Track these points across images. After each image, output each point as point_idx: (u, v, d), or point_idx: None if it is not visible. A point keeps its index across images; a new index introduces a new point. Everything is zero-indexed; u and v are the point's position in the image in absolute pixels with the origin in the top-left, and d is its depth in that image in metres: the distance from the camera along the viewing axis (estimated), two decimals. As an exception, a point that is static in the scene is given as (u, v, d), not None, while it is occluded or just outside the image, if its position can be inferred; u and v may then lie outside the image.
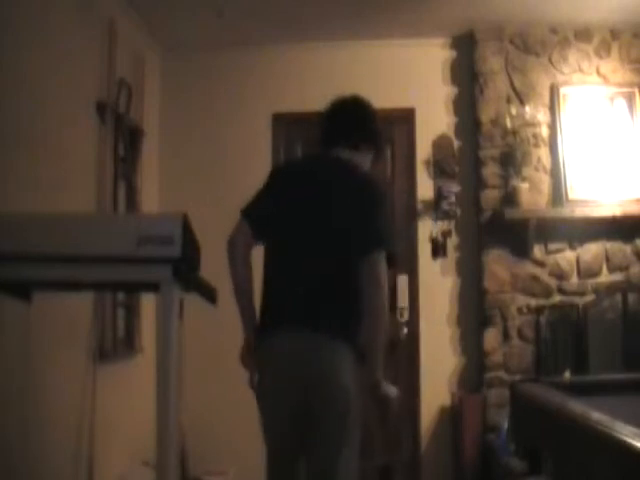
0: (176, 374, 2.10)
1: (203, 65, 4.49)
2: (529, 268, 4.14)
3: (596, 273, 4.14)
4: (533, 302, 4.12)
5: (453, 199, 4.25)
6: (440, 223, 4.27)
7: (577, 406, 1.90)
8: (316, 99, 4.37)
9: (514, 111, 4.10)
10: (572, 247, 4.16)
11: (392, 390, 2.26)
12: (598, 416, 1.72)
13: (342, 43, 4.39)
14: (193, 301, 2.31)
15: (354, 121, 2.58)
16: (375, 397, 2.22)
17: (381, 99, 4.34)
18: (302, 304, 2.27)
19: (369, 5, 3.89)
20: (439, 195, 4.26)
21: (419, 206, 4.31)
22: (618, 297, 4.04)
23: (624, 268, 4.13)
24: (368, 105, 2.66)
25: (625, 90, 4.20)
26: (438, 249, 4.24)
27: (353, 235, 2.28)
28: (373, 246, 2.24)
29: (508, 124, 4.09)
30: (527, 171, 4.13)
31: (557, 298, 4.13)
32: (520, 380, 3.34)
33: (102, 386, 3.30)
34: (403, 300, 4.28)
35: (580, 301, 4.09)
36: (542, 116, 4.16)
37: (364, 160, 2.54)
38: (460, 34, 4.32)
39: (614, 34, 4.24)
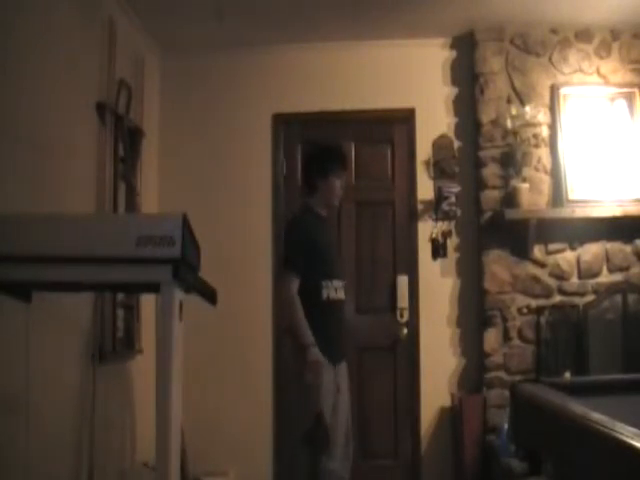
0: (176, 374, 2.10)
1: (203, 66, 4.49)
2: (529, 268, 4.14)
3: (596, 273, 4.14)
4: (533, 302, 4.12)
5: (453, 199, 4.24)
6: (440, 223, 4.26)
7: (577, 406, 1.90)
8: (316, 99, 4.41)
9: (514, 111, 4.10)
10: (572, 247, 4.16)
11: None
12: (598, 416, 1.72)
13: (342, 43, 4.39)
14: (193, 301, 2.31)
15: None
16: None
17: (381, 99, 4.39)
18: None
19: (369, 6, 3.89)
20: (439, 195, 4.25)
21: (419, 206, 4.31)
22: (618, 297, 4.04)
23: (624, 268, 4.13)
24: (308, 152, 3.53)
25: (625, 90, 4.20)
26: (438, 249, 4.24)
27: None
28: None
29: (508, 124, 4.08)
30: (527, 171, 4.13)
31: (557, 298, 4.13)
32: (520, 381, 3.33)
33: (102, 386, 3.31)
34: (403, 300, 4.28)
35: (580, 301, 4.09)
36: (542, 116, 4.15)
37: (322, 192, 3.25)
38: (460, 34, 4.32)
39: (614, 34, 4.24)
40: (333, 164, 3.25)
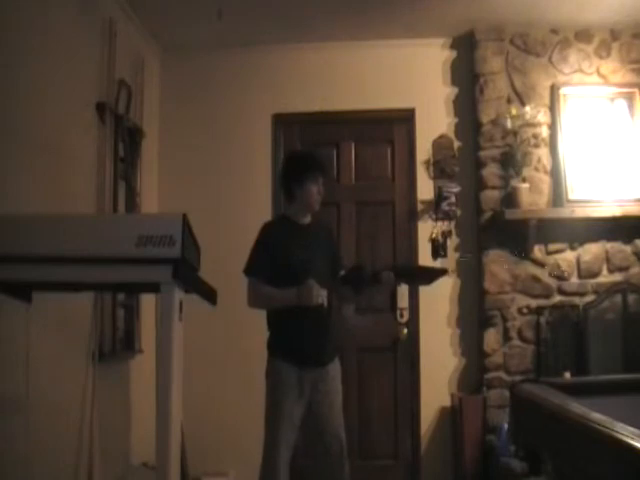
0: (176, 374, 2.10)
1: (203, 66, 4.49)
2: (529, 269, 4.14)
3: (596, 273, 4.14)
4: (533, 303, 4.12)
5: (453, 199, 4.24)
6: (440, 223, 4.26)
7: (577, 407, 1.89)
8: (316, 99, 4.41)
9: (514, 111, 4.09)
10: (572, 247, 4.16)
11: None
12: (598, 416, 1.72)
13: (342, 43, 4.39)
14: (193, 301, 2.31)
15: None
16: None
17: (381, 99, 4.39)
18: None
19: (369, 5, 3.89)
20: (439, 195, 4.26)
21: (419, 206, 4.31)
22: (618, 297, 4.04)
23: (624, 269, 4.13)
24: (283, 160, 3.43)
25: (625, 90, 4.20)
26: (438, 249, 4.24)
27: None
28: None
29: (508, 124, 4.08)
30: (527, 171, 4.13)
31: (557, 298, 4.13)
32: (520, 381, 3.33)
33: (102, 386, 3.31)
34: (403, 301, 4.28)
35: (580, 301, 4.09)
36: (542, 116, 4.15)
37: (299, 198, 3.13)
38: (460, 34, 4.32)
39: (614, 34, 4.24)
40: (308, 170, 3.13)
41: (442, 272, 3.32)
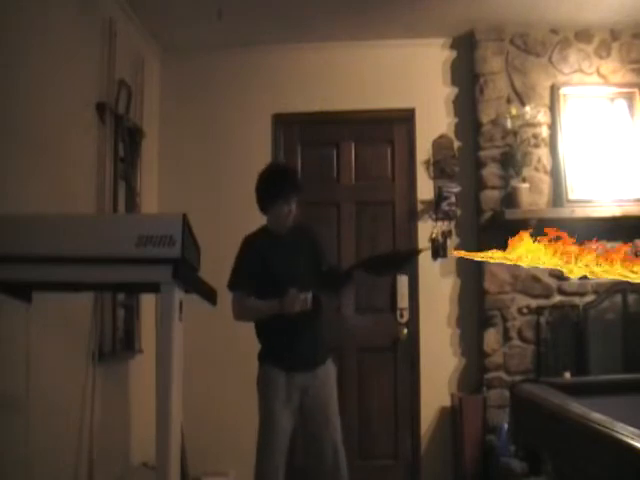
0: (176, 374, 2.10)
1: (203, 66, 4.49)
2: (529, 268, 4.14)
3: (596, 273, 4.13)
4: (533, 303, 4.12)
5: (453, 199, 4.24)
6: (440, 223, 4.26)
7: (577, 407, 1.89)
8: (316, 99, 4.42)
9: (514, 111, 4.09)
10: (572, 247, 4.15)
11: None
12: (598, 416, 1.72)
13: (342, 43, 4.39)
14: (193, 301, 2.31)
15: None
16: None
17: (381, 99, 4.39)
18: None
19: (369, 5, 3.89)
20: (439, 195, 4.26)
21: (419, 206, 4.31)
22: (618, 297, 4.04)
23: (624, 268, 4.13)
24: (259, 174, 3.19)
25: (625, 90, 4.20)
26: (438, 250, 4.24)
27: None
28: None
29: (508, 124, 4.08)
30: (527, 171, 4.13)
31: (557, 298, 4.13)
32: (520, 381, 3.33)
33: (102, 386, 3.31)
34: (403, 301, 4.28)
35: (580, 301, 4.09)
36: (542, 116, 4.15)
37: (272, 215, 3.12)
38: (460, 34, 4.32)
39: (614, 34, 4.24)
40: (281, 189, 3.06)
41: (413, 253, 3.43)
